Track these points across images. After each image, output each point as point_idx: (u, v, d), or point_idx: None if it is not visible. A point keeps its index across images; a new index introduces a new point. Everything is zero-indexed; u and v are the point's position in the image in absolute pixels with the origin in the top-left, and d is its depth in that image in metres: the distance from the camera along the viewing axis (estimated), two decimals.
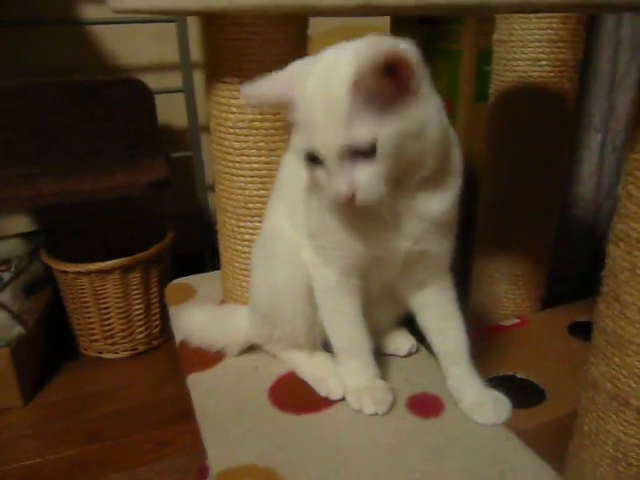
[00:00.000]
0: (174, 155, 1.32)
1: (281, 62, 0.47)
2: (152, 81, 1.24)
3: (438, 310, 0.56)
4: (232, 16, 0.55)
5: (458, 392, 0.54)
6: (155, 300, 1.22)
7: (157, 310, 1.23)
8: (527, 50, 0.77)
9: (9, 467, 0.94)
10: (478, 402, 0.53)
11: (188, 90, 1.29)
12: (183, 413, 1.01)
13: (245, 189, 0.60)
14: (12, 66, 1.24)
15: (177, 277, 0.81)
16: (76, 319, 1.21)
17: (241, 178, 0.59)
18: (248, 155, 0.58)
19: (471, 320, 0.58)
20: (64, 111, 1.19)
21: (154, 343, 1.24)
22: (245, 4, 0.46)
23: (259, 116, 0.57)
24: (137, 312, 1.20)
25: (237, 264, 0.65)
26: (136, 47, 1.33)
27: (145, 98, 1.23)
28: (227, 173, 0.60)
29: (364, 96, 0.42)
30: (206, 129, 1.37)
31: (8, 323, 1.06)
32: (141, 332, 1.22)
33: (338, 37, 0.47)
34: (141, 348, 1.23)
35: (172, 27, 1.24)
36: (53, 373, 1.17)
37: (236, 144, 0.58)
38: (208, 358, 0.61)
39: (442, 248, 0.53)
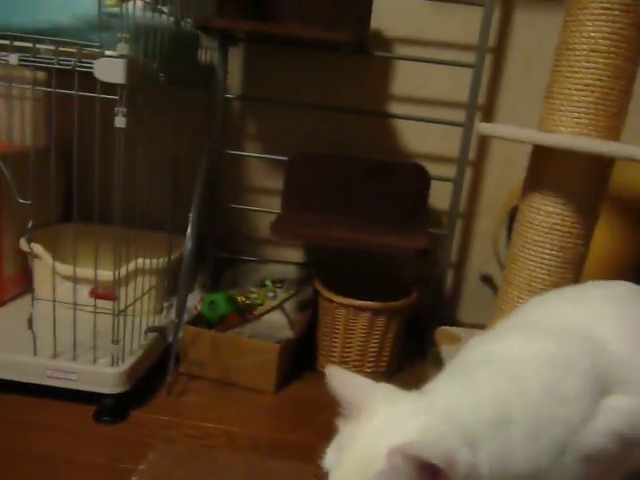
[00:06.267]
0: (432, 231, 1.57)
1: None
2: (431, 168, 1.53)
3: None
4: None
5: None
6: (389, 345, 1.45)
7: (387, 354, 1.46)
8: None
9: (252, 434, 1.20)
10: None
11: (458, 181, 1.54)
12: None
13: (533, 271, 0.78)
14: (328, 140, 1.63)
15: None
16: (324, 340, 1.48)
17: (532, 262, 0.78)
18: (543, 247, 0.77)
19: None
20: (358, 179, 1.53)
21: (376, 380, 1.46)
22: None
23: (560, 221, 0.76)
24: (373, 349, 1.44)
25: None
26: (424, 139, 1.63)
27: (423, 181, 1.52)
28: (522, 257, 0.80)
29: None
30: (461, 215, 1.61)
31: (285, 326, 1.37)
32: (370, 366, 1.45)
33: None
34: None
35: (458, 130, 1.51)
36: (295, 377, 1.45)
37: (536, 237, 0.78)
38: None
39: None
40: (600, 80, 0.70)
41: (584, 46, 0.70)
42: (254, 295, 1.55)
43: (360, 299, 1.38)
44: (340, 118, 1.61)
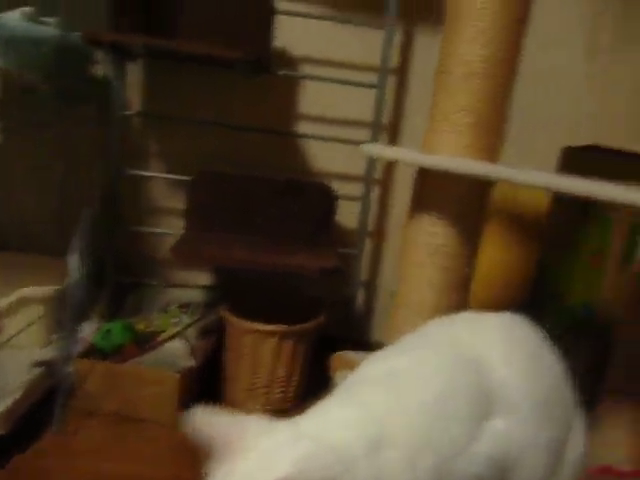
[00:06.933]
0: (340, 250, 1.55)
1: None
2: (339, 187, 1.52)
3: None
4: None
5: None
6: (298, 369, 1.41)
7: (297, 378, 1.41)
8: None
9: (151, 474, 1.13)
10: None
11: (365, 200, 1.54)
12: None
13: (420, 292, 0.77)
14: (233, 159, 1.59)
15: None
16: (230, 367, 1.42)
17: (418, 284, 0.77)
18: (429, 269, 0.76)
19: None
20: (263, 199, 1.49)
21: (286, 405, 1.42)
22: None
23: (444, 242, 0.76)
24: (281, 375, 1.39)
25: None
26: (331, 159, 1.62)
27: (329, 200, 1.51)
28: (409, 278, 0.79)
29: None
30: (369, 234, 1.61)
31: (185, 355, 1.30)
32: (279, 393, 1.40)
33: None
34: (275, 406, 1.40)
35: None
36: (199, 406, 1.38)
37: (422, 259, 0.77)
38: None
39: None
40: (477, 102, 0.71)
41: (460, 69, 0.71)
42: (157, 322, 1.48)
43: (270, 322, 1.34)
44: (245, 137, 1.57)
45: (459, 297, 0.77)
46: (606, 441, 0.99)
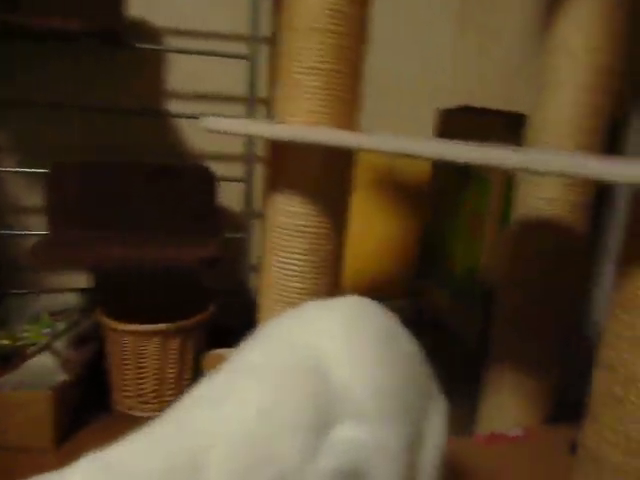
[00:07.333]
0: (228, 235, 1.46)
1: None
2: (220, 168, 1.41)
3: None
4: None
5: None
6: (188, 367, 1.31)
7: (189, 376, 1.32)
8: (543, 190, 0.88)
9: None
10: None
11: (248, 180, 1.45)
12: None
13: (283, 278, 0.70)
14: (99, 146, 1.44)
15: (213, 347, 0.90)
16: (115, 374, 1.30)
17: (281, 269, 0.70)
18: (291, 252, 0.69)
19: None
20: (136, 188, 1.36)
21: None
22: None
23: (305, 222, 0.69)
24: (170, 375, 1.29)
25: None
26: (209, 138, 1.51)
27: (209, 183, 1.40)
28: (272, 263, 0.71)
29: None
30: (257, 215, 1.52)
31: (56, 369, 1.17)
32: (171, 394, 1.30)
33: None
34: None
35: None
36: (83, 422, 1.25)
37: (283, 242, 0.69)
38: None
39: None
40: (325, 63, 0.64)
41: (304, 24, 0.63)
42: (26, 334, 1.32)
43: (157, 321, 1.23)
44: (110, 120, 1.42)
45: (327, 280, 0.71)
46: (494, 408, 0.98)
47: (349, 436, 0.47)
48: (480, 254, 1.08)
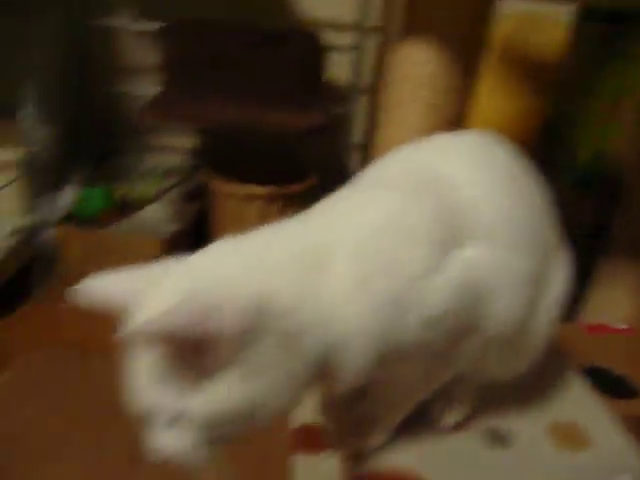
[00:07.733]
0: (333, 109, 1.42)
1: None
2: (330, 36, 1.35)
3: None
4: None
5: None
6: None
7: None
8: None
9: None
10: None
11: (359, 51, 1.38)
12: None
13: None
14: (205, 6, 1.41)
15: None
16: (217, 233, 1.37)
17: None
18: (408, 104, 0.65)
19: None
20: (241, 51, 1.33)
21: None
22: None
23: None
24: None
25: None
26: (318, 2, 1.42)
27: (316, 51, 1.34)
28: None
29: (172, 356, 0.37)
30: (364, 90, 1.46)
31: (166, 220, 1.24)
32: None
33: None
34: None
35: None
36: None
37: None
38: None
39: None
40: None
41: None
42: (138, 188, 1.40)
43: (257, 185, 1.26)
44: None
45: None
46: (605, 300, 0.94)
47: (474, 255, 0.46)
48: (611, 139, 0.98)
